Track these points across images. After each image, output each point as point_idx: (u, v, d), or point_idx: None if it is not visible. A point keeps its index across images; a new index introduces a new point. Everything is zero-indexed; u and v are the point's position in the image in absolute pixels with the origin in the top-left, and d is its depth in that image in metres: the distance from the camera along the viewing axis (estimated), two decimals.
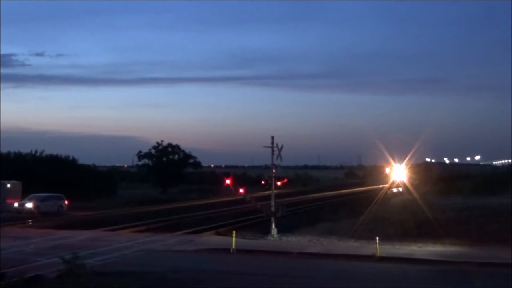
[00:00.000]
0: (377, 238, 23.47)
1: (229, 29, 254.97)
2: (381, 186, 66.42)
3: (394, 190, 56.06)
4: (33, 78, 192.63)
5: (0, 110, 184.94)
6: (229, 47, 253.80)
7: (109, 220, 38.60)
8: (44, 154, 64.68)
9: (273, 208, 29.62)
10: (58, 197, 46.32)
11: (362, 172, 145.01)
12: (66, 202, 46.61)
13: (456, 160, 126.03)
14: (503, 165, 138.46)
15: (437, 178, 65.23)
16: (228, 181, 33.44)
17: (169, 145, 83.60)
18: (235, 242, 23.99)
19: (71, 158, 66.96)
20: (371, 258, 21.91)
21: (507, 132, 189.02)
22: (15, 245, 24.78)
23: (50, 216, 41.45)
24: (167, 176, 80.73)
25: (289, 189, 63.81)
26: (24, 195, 47.40)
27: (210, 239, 28.62)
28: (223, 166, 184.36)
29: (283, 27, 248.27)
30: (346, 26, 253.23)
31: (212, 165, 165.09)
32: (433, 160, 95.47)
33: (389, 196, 50.32)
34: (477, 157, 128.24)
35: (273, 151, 29.51)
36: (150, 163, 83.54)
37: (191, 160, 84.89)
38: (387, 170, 46.22)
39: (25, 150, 64.86)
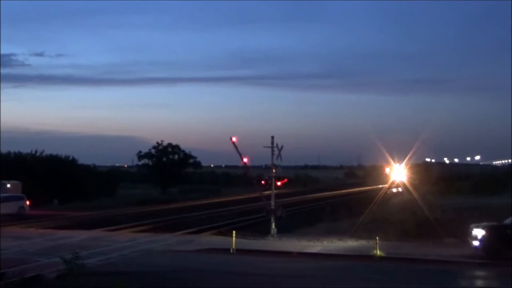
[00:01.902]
0: (377, 238, 23.48)
1: (229, 29, 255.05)
2: (380, 186, 66.44)
3: (394, 190, 56.08)
4: (33, 78, 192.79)
5: (0, 110, 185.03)
6: (229, 47, 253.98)
7: (109, 220, 38.63)
8: (44, 154, 64.77)
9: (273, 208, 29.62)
10: (18, 198, 44.19)
11: (362, 172, 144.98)
12: (27, 202, 44.53)
13: (456, 160, 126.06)
14: (503, 165, 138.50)
15: (437, 178, 65.26)
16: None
17: (169, 145, 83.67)
18: (235, 242, 23.99)
19: (71, 158, 67.01)
20: (371, 258, 21.92)
21: (507, 132, 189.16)
22: (15, 245, 24.78)
23: (10, 218, 38.81)
24: (167, 176, 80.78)
25: (289, 189, 63.79)
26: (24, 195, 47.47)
27: (210, 239, 28.63)
28: (223, 166, 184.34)
29: (283, 27, 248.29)
30: (346, 26, 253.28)
31: (212, 165, 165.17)
32: (433, 160, 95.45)
33: (389, 196, 50.35)
34: (477, 157, 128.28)
35: (273, 151, 29.50)
36: (150, 163, 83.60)
37: (191, 160, 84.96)
38: (387, 170, 46.20)
39: (25, 150, 65.00)
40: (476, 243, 21.96)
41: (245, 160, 29.72)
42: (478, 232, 22.04)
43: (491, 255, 21.42)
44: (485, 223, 22.98)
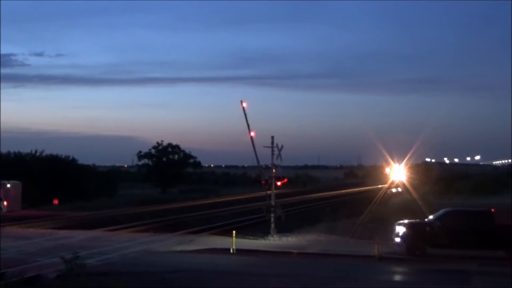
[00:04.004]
0: (377, 238, 23.53)
1: (229, 29, 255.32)
2: (380, 186, 66.40)
3: (393, 190, 56.01)
4: (33, 78, 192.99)
5: (0, 110, 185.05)
6: (229, 47, 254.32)
7: (109, 220, 38.57)
8: (44, 154, 64.64)
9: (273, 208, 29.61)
10: None
11: (362, 172, 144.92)
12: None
13: (456, 160, 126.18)
14: (503, 165, 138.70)
15: (437, 178, 65.31)
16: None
17: (169, 145, 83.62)
18: (235, 242, 24.02)
19: (71, 158, 66.91)
20: (371, 258, 21.96)
21: (507, 132, 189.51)
22: (15, 245, 24.77)
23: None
24: (167, 176, 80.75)
25: (289, 189, 63.80)
26: (24, 196, 47.42)
27: (210, 239, 28.63)
28: (223, 166, 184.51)
29: (283, 27, 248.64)
30: (346, 26, 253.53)
31: (212, 165, 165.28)
32: (433, 160, 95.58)
33: (388, 196, 50.32)
34: (477, 157, 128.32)
35: (273, 151, 29.49)
36: (150, 163, 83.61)
37: (191, 160, 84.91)
38: (387, 170, 46.21)
39: (25, 150, 64.77)
40: (398, 239, 22.82)
41: (252, 134, 29.14)
42: (400, 229, 22.87)
43: (411, 251, 22.35)
44: (407, 221, 23.83)
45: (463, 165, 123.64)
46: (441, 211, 23.86)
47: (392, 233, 23.39)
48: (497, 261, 21.45)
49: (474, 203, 36.59)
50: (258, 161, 29.97)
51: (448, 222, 22.53)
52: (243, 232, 29.76)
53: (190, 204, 55.05)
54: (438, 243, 22.58)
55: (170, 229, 33.23)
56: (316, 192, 76.60)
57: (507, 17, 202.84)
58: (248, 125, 28.80)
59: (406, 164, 40.14)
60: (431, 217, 23.81)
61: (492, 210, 23.53)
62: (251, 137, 29.25)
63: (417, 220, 24.34)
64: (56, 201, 52.77)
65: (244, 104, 28.39)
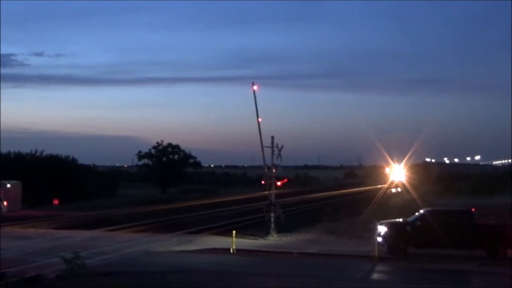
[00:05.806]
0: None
1: (229, 29, 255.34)
2: (380, 186, 66.35)
3: (393, 190, 55.99)
4: (33, 78, 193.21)
5: (0, 110, 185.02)
6: (229, 47, 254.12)
7: (109, 220, 38.57)
8: (44, 154, 64.68)
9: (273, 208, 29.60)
10: None
11: (362, 172, 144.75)
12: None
13: (456, 160, 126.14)
14: (503, 165, 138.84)
15: (437, 178, 65.32)
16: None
17: (169, 145, 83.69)
18: (235, 242, 24.02)
19: (71, 158, 66.96)
20: (371, 258, 21.98)
21: (507, 132, 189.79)
22: (15, 245, 24.77)
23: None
24: (167, 176, 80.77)
25: (289, 189, 63.78)
26: (24, 196, 47.43)
27: (210, 239, 28.63)
28: (223, 166, 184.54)
29: (283, 27, 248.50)
30: (346, 26, 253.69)
31: (212, 165, 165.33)
32: (433, 160, 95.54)
33: (388, 196, 50.31)
34: (477, 157, 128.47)
35: (273, 151, 29.50)
36: (150, 163, 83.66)
37: (191, 160, 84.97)
38: (387, 170, 46.22)
39: (25, 150, 64.84)
40: (380, 239, 22.89)
41: (260, 119, 29.15)
42: (381, 229, 23.02)
43: (392, 251, 22.56)
44: (388, 220, 24.12)
45: (463, 165, 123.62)
46: (421, 211, 24.01)
47: (375, 232, 23.50)
48: (496, 261, 21.44)
49: (474, 203, 36.55)
50: (262, 149, 29.51)
51: (429, 221, 22.61)
52: (243, 232, 29.76)
53: (190, 204, 55.03)
54: (419, 243, 22.77)
55: (170, 229, 33.22)
56: (316, 192, 76.57)
57: (507, 17, 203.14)
58: (257, 110, 28.63)
59: (406, 164, 40.17)
60: (416, 215, 23.90)
61: (473, 209, 23.68)
62: (259, 124, 29.10)
63: (398, 220, 24.49)
64: (56, 201, 52.85)
65: (255, 87, 28.11)
